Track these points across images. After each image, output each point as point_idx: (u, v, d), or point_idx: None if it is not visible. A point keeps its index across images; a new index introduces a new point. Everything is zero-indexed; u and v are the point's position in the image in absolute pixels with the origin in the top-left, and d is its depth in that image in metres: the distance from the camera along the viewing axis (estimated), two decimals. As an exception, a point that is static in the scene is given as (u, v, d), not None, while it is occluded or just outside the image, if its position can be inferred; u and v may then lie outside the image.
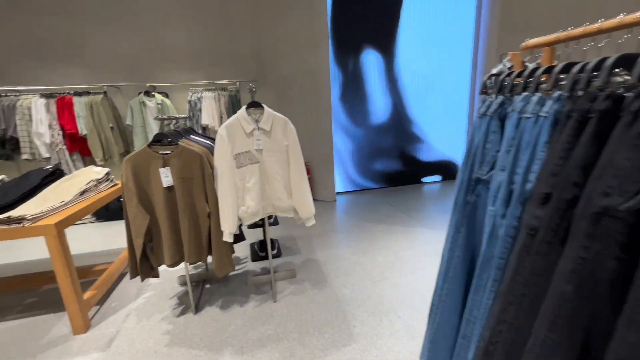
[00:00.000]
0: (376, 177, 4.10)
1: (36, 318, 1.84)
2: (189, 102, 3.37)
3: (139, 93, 3.36)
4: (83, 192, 1.94)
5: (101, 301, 1.98)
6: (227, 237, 1.56)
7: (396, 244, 2.58)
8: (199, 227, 1.57)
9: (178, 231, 1.56)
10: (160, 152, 1.50)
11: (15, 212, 1.54)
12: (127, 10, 3.43)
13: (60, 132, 3.10)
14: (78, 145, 3.18)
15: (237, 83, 3.57)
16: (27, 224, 1.48)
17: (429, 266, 2.20)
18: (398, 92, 3.85)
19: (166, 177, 1.48)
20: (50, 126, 3.06)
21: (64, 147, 3.11)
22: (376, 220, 3.12)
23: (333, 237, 2.79)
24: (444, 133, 4.15)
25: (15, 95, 3.09)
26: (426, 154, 4.18)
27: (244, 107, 1.58)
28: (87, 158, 3.34)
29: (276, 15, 3.57)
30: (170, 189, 1.51)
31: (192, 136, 1.87)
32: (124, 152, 3.47)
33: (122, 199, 1.56)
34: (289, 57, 3.56)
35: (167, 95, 3.57)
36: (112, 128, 3.25)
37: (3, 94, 3.11)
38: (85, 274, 2.14)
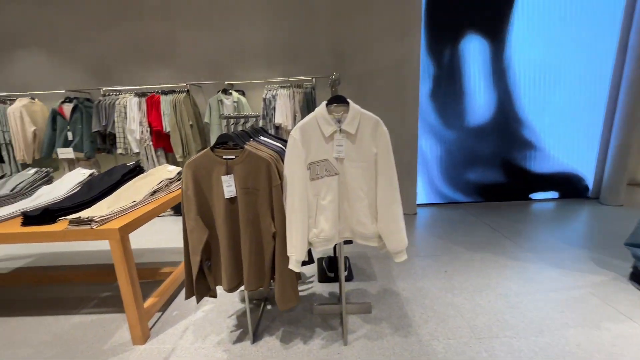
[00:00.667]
0: (469, 188, 3.42)
1: (106, 316, 1.82)
2: (264, 99, 3.23)
3: (218, 91, 3.36)
4: (154, 192, 1.87)
5: (164, 307, 1.89)
6: (294, 266, 1.25)
7: (504, 284, 1.96)
8: (262, 248, 1.29)
9: (238, 251, 1.30)
10: (224, 157, 1.25)
11: (85, 213, 1.48)
12: (213, 12, 3.46)
13: (148, 129, 3.26)
14: (162, 142, 3.32)
15: (313, 79, 3.31)
16: (94, 226, 1.41)
17: (565, 327, 1.56)
18: (506, 86, 3.11)
19: (228, 186, 1.24)
20: (140, 123, 3.24)
21: (151, 143, 3.28)
22: (472, 246, 2.51)
23: (417, 263, 2.30)
24: (568, 138, 3.23)
25: (115, 95, 3.37)
26: (539, 164, 3.31)
27: (323, 104, 1.24)
28: (169, 154, 3.48)
29: (359, 2, 3.19)
30: (232, 200, 1.26)
31: (261, 137, 1.62)
32: (201, 149, 3.52)
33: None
34: (373, 48, 3.15)
35: (243, 94, 3.52)
36: (191, 126, 3.31)
37: (107, 94, 3.42)
38: (152, 275, 2.10)
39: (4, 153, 3.33)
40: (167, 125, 3.24)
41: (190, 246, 1.29)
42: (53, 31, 3.54)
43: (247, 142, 1.34)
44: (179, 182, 2.13)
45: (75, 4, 3.50)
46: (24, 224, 1.48)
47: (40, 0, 3.46)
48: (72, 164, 3.51)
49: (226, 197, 1.25)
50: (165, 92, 3.30)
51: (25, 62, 3.57)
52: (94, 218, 1.41)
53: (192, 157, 1.29)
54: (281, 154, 1.42)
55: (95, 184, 1.94)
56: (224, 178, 1.24)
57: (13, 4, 3.47)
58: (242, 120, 1.65)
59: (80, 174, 2.18)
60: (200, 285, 1.37)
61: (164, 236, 3.03)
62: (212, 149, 1.28)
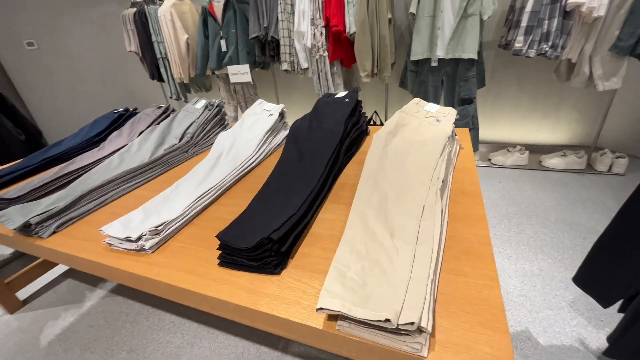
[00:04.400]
0: None
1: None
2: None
3: (436, -50, 1.86)
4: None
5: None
6: None
7: None
8: None
9: None
10: None
11: (394, 310, 0.52)
12: None
13: (323, 30, 2.15)
14: (341, 51, 2.20)
15: None
16: (421, 351, 0.45)
17: None
18: None
19: None
20: (312, 21, 2.14)
21: (325, 53, 2.19)
22: None
23: None
24: None
25: (276, -24, 2.27)
26: None
27: None
28: (347, 70, 2.38)
29: None
30: None
31: None
32: (393, 63, 2.28)
33: None
34: None
35: (479, -49, 1.91)
36: (390, 21, 2.03)
37: (263, -23, 2.34)
38: None
39: (162, 70, 2.85)
40: (351, 22, 2.04)
41: None
42: None
43: None
44: (454, 142, 1.01)
45: None
46: (222, 261, 0.64)
47: None
48: (227, 84, 2.83)
49: None
50: (353, -39, 2.00)
51: (166, -59, 2.71)
52: (423, 325, 0.43)
53: None
54: None
55: (304, 142, 1.00)
56: None
57: None
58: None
59: (266, 114, 1.29)
60: None
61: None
62: None
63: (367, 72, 2.14)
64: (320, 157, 0.91)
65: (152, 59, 2.85)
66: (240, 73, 2.12)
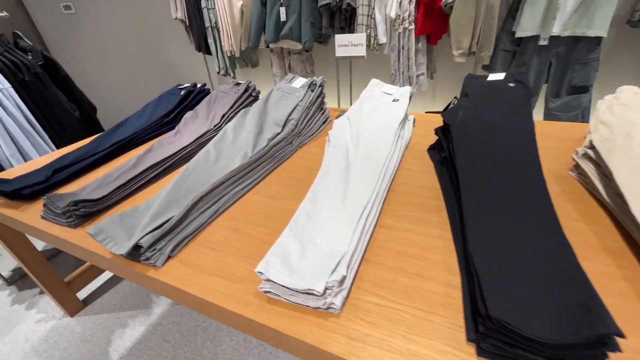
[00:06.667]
0: None
1: None
2: None
3: None
4: None
5: None
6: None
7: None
8: None
9: None
10: None
11: None
12: None
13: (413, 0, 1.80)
14: (431, 23, 1.85)
15: None
16: None
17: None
18: None
19: None
20: (400, -14, 1.80)
21: (412, 25, 1.85)
22: None
23: None
24: None
25: None
26: None
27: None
28: (432, 47, 2.04)
29: None
30: None
31: None
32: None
33: None
34: None
35: None
36: (502, -13, 1.67)
37: None
38: None
39: (210, 40, 2.56)
40: (452, -13, 1.69)
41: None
42: None
43: None
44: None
45: None
46: (490, 351, 0.39)
47: None
48: (281, 59, 2.54)
49: None
50: None
51: None
52: None
53: None
54: None
55: (482, 143, 0.72)
56: None
57: None
58: None
59: (387, 98, 1.00)
60: None
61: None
62: None
63: (463, 50, 1.80)
64: (523, 168, 0.64)
65: (199, 28, 2.56)
66: (351, 44, 1.60)
